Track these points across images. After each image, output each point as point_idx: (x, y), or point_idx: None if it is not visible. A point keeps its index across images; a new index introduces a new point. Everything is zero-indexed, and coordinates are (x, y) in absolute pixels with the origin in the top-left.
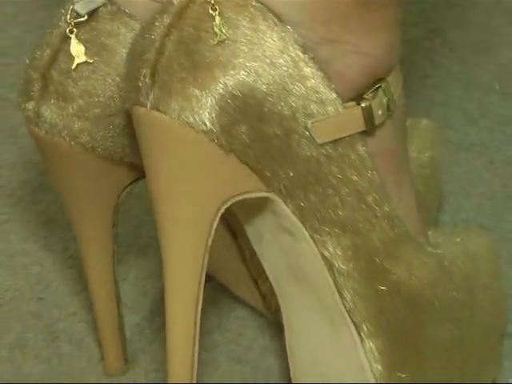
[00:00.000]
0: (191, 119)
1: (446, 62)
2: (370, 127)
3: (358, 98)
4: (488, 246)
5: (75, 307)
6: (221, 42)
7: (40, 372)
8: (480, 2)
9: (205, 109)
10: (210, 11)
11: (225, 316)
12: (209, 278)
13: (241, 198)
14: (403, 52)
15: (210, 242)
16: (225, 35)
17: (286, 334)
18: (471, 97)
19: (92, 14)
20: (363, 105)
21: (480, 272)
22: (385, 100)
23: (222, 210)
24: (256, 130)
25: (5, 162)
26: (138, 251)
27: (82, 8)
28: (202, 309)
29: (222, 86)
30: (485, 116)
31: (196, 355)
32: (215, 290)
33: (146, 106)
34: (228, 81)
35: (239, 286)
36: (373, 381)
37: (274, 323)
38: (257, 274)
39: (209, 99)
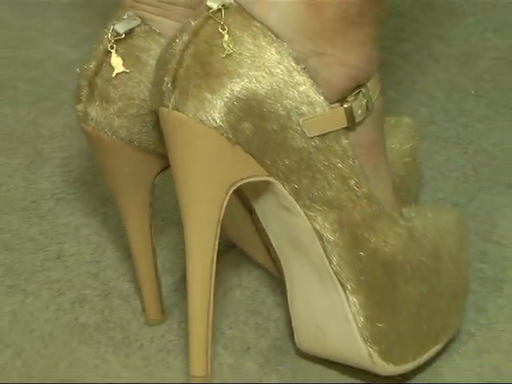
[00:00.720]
0: (204, 117)
1: (431, 71)
2: (352, 124)
3: (341, 100)
4: (455, 220)
5: (125, 269)
6: (229, 55)
7: (94, 322)
8: (461, 21)
9: (215, 109)
10: (220, 30)
11: (244, 276)
12: (232, 246)
13: (246, 181)
14: (397, 63)
15: (221, 217)
16: (232, 50)
17: (288, 290)
18: (451, 99)
19: (129, 32)
20: (345, 106)
21: (447, 241)
22: (364, 102)
23: (231, 191)
24: (257, 126)
25: (73, 152)
26: (176, 224)
27: (120, 28)
28: (225, 270)
29: (229, 90)
30: (461, 114)
31: (211, 307)
32: (237, 255)
33: (168, 107)
34: (234, 87)
35: (255, 252)
36: (357, 330)
37: (284, 282)
38: (268, 243)
39: (218, 101)
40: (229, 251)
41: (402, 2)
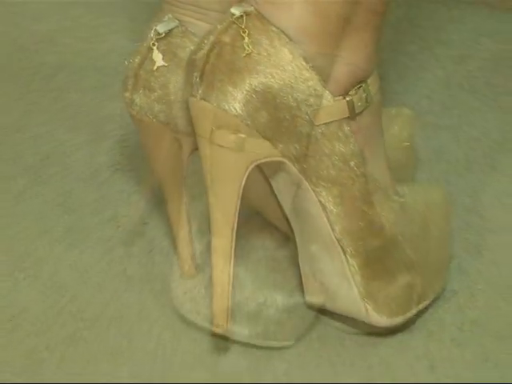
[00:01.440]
0: (226, 107)
1: (432, 68)
2: (353, 114)
3: (344, 94)
4: (443, 196)
5: (167, 230)
6: (248, 55)
7: (140, 274)
8: (459, 28)
9: (236, 100)
10: (241, 33)
11: (267, 239)
12: (257, 213)
13: (262, 161)
14: (403, 61)
15: (241, 191)
16: (251, 50)
17: (299, 252)
18: (448, 93)
19: (168, 32)
20: (348, 99)
21: (434, 214)
22: (364, 96)
23: (250, 169)
24: (272, 115)
25: (129, 131)
26: None
27: (161, 28)
28: (249, 233)
29: (248, 84)
30: (456, 107)
31: (231, 264)
32: (261, 221)
33: (197, 97)
34: (252, 81)
35: (276, 219)
36: (354, 287)
37: None
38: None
39: (239, 93)
40: (254, 218)
41: (409, 10)
